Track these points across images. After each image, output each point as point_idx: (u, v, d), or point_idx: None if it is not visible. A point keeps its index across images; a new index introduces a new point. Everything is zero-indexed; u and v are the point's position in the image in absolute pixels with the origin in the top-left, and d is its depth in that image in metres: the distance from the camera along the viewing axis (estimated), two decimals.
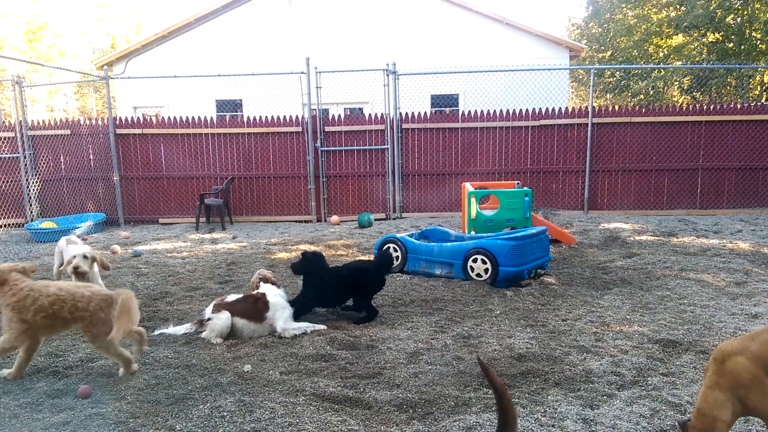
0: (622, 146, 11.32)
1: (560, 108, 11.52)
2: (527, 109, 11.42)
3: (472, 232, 7.45)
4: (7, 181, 11.36)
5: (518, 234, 6.38)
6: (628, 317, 5.02)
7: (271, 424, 3.21)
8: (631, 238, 8.76)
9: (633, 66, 21.54)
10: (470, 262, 6.27)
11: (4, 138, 11.40)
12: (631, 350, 4.23)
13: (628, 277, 6.47)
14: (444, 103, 15.51)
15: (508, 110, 11.45)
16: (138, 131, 11.63)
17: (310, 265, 5.24)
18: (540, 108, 11.44)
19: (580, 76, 26.53)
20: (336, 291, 5.22)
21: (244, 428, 3.17)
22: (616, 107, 11.81)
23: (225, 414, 3.34)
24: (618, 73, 23.91)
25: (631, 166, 11.34)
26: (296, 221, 11.61)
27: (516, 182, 9.06)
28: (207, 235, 10.09)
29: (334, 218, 11.34)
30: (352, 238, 9.32)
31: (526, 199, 7.53)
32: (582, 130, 11.31)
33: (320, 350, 4.36)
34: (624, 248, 8.07)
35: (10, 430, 3.23)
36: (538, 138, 11.44)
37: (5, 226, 10.82)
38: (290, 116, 11.52)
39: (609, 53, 25.13)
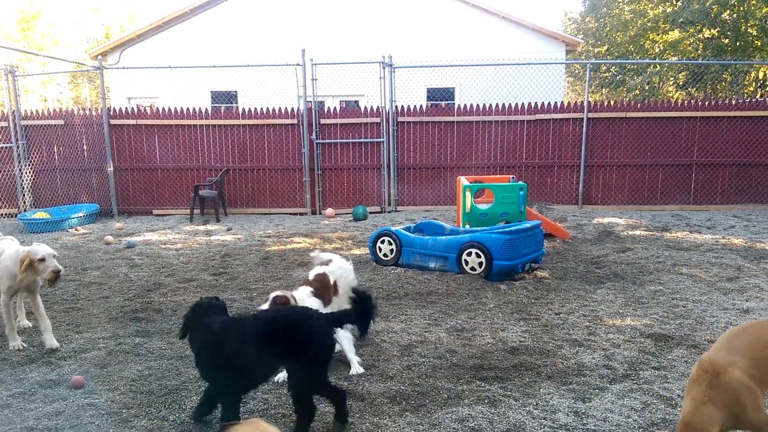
0: (617, 141, 11.34)
1: (556, 102, 11.53)
2: (523, 104, 11.42)
3: (467, 226, 7.46)
4: (1, 171, 11.28)
5: (512, 228, 6.39)
6: (621, 311, 5.05)
7: (265, 416, 3.22)
8: (625, 233, 8.80)
9: (629, 61, 21.54)
10: (464, 256, 6.28)
11: None
12: (623, 344, 4.25)
13: (621, 271, 6.50)
14: (440, 96, 15.48)
15: (503, 104, 11.44)
16: (132, 122, 11.56)
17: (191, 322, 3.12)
18: (536, 102, 11.44)
19: (576, 71, 26.53)
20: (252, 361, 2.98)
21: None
22: (612, 102, 11.83)
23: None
24: (614, 68, 23.91)
25: (626, 161, 11.37)
26: (291, 214, 11.59)
27: (511, 176, 9.06)
28: (201, 227, 10.06)
29: (329, 211, 11.32)
30: (347, 231, 9.32)
31: (521, 193, 7.55)
32: (577, 125, 11.32)
33: None
34: (617, 243, 8.11)
35: (3, 419, 3.23)
36: (534, 132, 11.44)
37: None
38: (285, 108, 11.47)
39: (605, 48, 25.13)
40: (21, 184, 11.22)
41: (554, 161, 11.48)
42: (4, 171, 11.25)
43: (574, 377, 3.69)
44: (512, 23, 15.86)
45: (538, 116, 11.36)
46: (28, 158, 11.39)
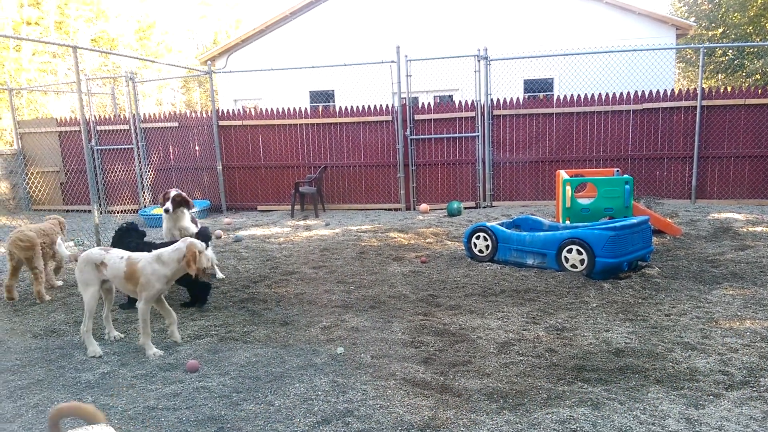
0: (735, 130, 10.46)
1: (666, 90, 10.82)
2: (629, 92, 10.82)
3: (567, 222, 7.20)
4: (124, 171, 12.37)
5: (617, 223, 6.10)
6: (739, 314, 4.67)
7: (363, 405, 3.30)
8: (744, 230, 8.11)
9: (748, 44, 19.76)
10: (565, 252, 6.07)
11: (121, 131, 12.39)
12: (742, 349, 3.94)
13: (740, 271, 6.01)
14: (538, 87, 15.03)
15: (607, 94, 10.90)
16: (238, 123, 12.22)
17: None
18: (643, 91, 10.80)
19: (688, 56, 24.74)
20: None
21: (337, 408, 3.29)
22: (729, 89, 10.92)
23: (320, 393, 3.48)
24: (731, 51, 22.09)
25: (746, 152, 10.45)
26: (386, 209, 11.74)
27: (615, 169, 8.63)
28: (301, 222, 10.45)
29: (423, 206, 11.36)
30: (441, 227, 9.30)
31: (627, 187, 7.17)
32: (690, 114, 10.57)
33: (410, 336, 4.41)
34: (736, 240, 7.49)
35: (128, 398, 3.55)
36: (641, 123, 10.82)
37: (123, 211, 11.78)
38: (380, 105, 11.63)
39: (720, 30, 23.23)
40: (141, 182, 12.22)
41: (664, 153, 10.79)
42: (128, 170, 12.32)
43: (686, 382, 3.47)
44: (616, 8, 15.07)
45: (646, 105, 10.72)
46: (148, 158, 12.38)
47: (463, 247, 7.12)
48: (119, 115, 13.42)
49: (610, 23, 14.98)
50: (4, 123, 23.96)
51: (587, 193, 8.26)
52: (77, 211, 12.57)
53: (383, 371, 3.78)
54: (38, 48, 25.56)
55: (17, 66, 24.95)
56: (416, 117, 11.45)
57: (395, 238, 8.48)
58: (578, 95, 11.05)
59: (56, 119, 13.34)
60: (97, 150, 12.44)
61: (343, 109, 11.88)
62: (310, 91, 16.47)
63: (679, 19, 16.64)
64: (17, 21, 25.34)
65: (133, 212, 11.85)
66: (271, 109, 12.16)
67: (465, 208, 11.00)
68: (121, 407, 3.43)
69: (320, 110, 12.34)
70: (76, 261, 4.45)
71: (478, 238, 6.83)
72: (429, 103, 11.70)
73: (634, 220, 6.19)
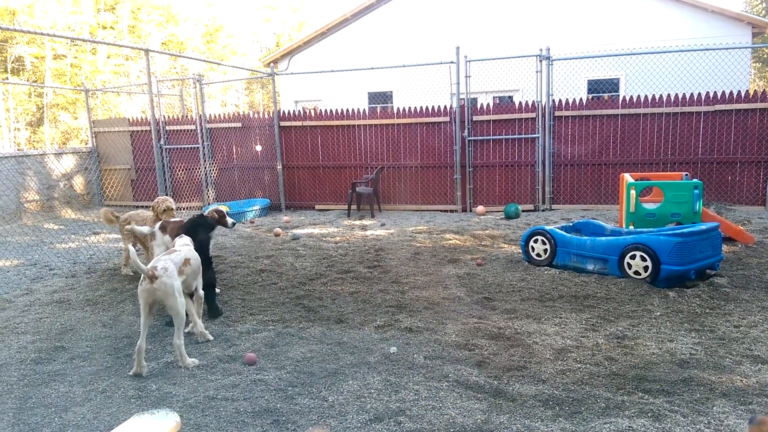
0: None
1: (740, 91, 10.28)
2: (699, 93, 10.34)
3: (631, 227, 6.96)
4: (190, 169, 12.85)
5: (685, 230, 5.84)
6: None
7: (415, 406, 3.31)
8: None
9: None
10: (627, 259, 5.87)
11: (188, 130, 12.87)
12: None
13: None
14: (602, 88, 14.58)
15: (676, 94, 10.46)
16: (299, 123, 12.45)
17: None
18: (715, 91, 10.30)
19: (766, 56, 23.42)
20: None
21: (390, 406, 3.31)
22: None
23: (373, 391, 3.51)
24: None
25: None
26: (442, 211, 11.68)
27: (684, 173, 8.26)
28: (357, 222, 10.55)
29: (480, 208, 11.23)
30: (498, 229, 9.18)
31: (696, 191, 6.85)
32: (766, 116, 9.99)
33: (464, 339, 4.38)
34: None
35: (189, 387, 3.69)
36: (712, 125, 10.31)
37: (188, 208, 12.24)
38: (438, 106, 11.58)
39: None
40: (206, 180, 12.66)
41: (736, 157, 10.24)
42: (193, 168, 12.80)
43: (755, 397, 3.29)
44: (686, 5, 14.43)
45: (718, 107, 10.21)
46: (212, 157, 12.81)
47: (520, 251, 7.00)
48: (186, 116, 13.94)
49: (680, 21, 14.37)
50: (80, 122, 25.42)
51: (653, 198, 7.95)
52: (146, 207, 13.10)
53: (436, 372, 3.77)
54: (112, 51, 26.94)
55: (93, 68, 26.39)
56: (474, 118, 11.34)
57: (450, 239, 8.44)
58: (645, 96, 10.65)
59: (128, 119, 14.00)
60: (166, 149, 12.97)
61: (401, 110, 11.91)
62: (369, 93, 16.61)
63: (755, 17, 15.78)
64: (93, 25, 26.80)
65: (198, 209, 12.28)
66: (330, 110, 12.33)
67: (523, 211, 10.81)
68: (182, 396, 3.57)
69: (378, 111, 12.41)
70: (154, 277, 3.89)
71: (536, 241, 6.70)
72: (488, 104, 11.55)
73: (702, 227, 5.92)
